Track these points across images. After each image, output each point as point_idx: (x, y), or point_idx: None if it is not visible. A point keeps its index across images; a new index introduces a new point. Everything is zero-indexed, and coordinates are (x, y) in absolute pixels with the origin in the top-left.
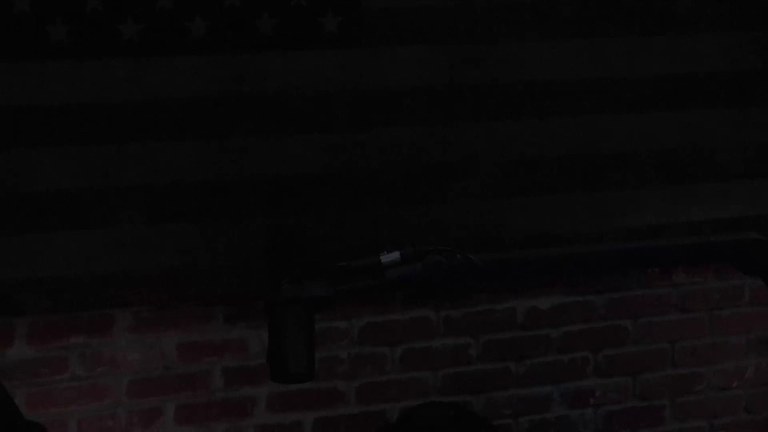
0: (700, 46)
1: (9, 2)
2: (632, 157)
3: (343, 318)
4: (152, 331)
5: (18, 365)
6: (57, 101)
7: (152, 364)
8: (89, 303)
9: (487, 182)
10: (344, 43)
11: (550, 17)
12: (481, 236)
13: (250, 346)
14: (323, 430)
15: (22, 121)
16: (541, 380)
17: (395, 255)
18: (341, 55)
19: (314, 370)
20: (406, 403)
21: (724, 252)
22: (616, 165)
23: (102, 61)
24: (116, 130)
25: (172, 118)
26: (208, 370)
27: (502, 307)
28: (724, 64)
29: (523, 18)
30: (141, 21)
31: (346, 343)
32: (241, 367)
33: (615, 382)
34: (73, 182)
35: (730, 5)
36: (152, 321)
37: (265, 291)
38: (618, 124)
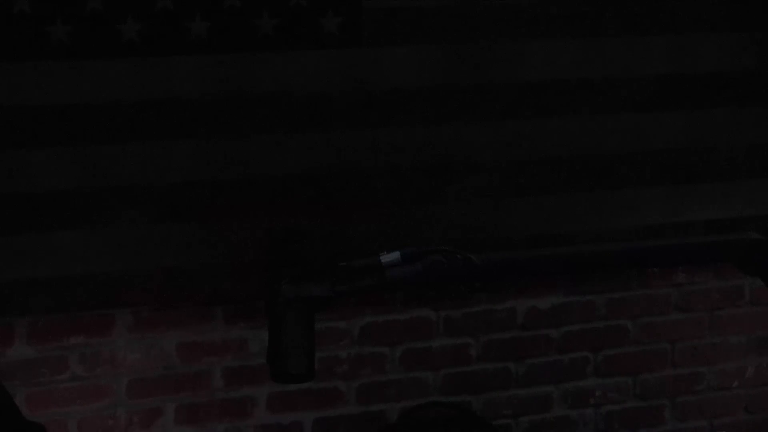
0: (700, 46)
1: (9, 2)
2: (632, 157)
3: (343, 318)
4: (152, 331)
5: (18, 365)
6: (57, 101)
7: (152, 364)
8: (89, 303)
9: (487, 182)
10: (344, 43)
11: (550, 17)
12: (481, 236)
13: (250, 346)
14: (323, 430)
15: (22, 121)
16: (541, 380)
17: (395, 255)
18: (341, 55)
19: (314, 370)
20: (406, 403)
21: (724, 252)
22: (616, 165)
23: (102, 61)
24: (116, 130)
25: (172, 118)
26: (208, 370)
27: (502, 307)
28: (724, 64)
29: (523, 18)
30: (141, 21)
31: (346, 343)
32: (241, 367)
33: (615, 382)
34: (73, 182)
35: (730, 5)
36: (152, 321)
37: (265, 291)
38: (618, 124)
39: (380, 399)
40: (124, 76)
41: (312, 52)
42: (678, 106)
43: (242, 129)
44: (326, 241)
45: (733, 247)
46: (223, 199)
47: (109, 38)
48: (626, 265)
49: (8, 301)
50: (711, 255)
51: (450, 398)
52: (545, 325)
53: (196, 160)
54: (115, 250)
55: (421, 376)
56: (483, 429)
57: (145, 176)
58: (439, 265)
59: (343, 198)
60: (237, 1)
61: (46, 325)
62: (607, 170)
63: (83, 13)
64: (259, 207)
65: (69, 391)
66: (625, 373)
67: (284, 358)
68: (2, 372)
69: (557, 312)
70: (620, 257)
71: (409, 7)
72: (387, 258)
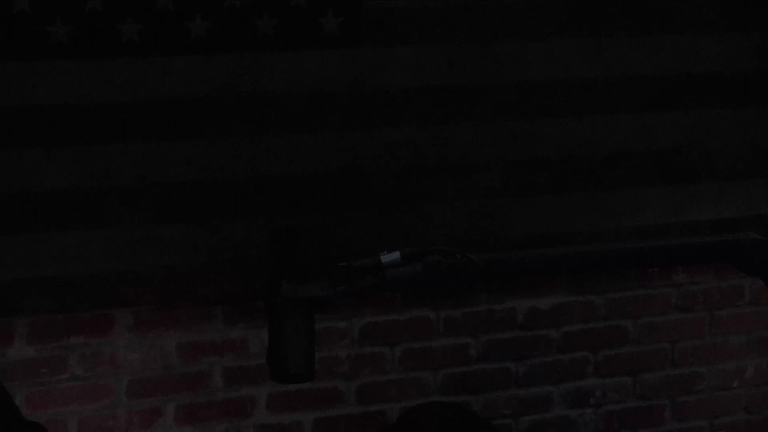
0: (700, 46)
1: (9, 2)
2: (632, 157)
3: (343, 318)
4: (152, 331)
5: (18, 365)
6: (57, 101)
7: (152, 364)
8: (89, 303)
9: (487, 182)
10: (344, 43)
11: (550, 17)
12: (481, 236)
13: (250, 346)
14: (323, 430)
15: (22, 121)
16: (541, 380)
17: (395, 255)
18: (341, 55)
19: (314, 370)
20: (406, 403)
21: (724, 252)
22: (616, 165)
23: (102, 61)
24: (116, 130)
25: (171, 118)
26: (208, 370)
27: (502, 307)
28: (724, 64)
29: (523, 18)
30: (141, 21)
31: (346, 343)
32: (241, 367)
33: (615, 382)
34: (73, 182)
35: (730, 5)
36: (152, 321)
37: (265, 291)
38: (618, 124)
39: (380, 399)
40: (124, 76)
41: (312, 52)
42: (678, 106)
43: (242, 129)
44: (326, 241)
45: (733, 247)
46: (224, 199)
47: (109, 38)
48: (626, 265)
49: (8, 301)
50: (711, 255)
51: (450, 398)
52: (545, 325)
53: (196, 160)
54: (115, 250)
55: (421, 376)
56: (483, 429)
57: (145, 176)
58: (439, 265)
59: (343, 198)
60: (237, 1)
61: (46, 325)
62: (607, 170)
63: (83, 13)
64: (260, 207)
65: (69, 391)
66: (625, 373)
67: (284, 358)
68: (2, 372)
69: (557, 312)
70: (620, 257)
71: (409, 7)
72: (387, 258)
